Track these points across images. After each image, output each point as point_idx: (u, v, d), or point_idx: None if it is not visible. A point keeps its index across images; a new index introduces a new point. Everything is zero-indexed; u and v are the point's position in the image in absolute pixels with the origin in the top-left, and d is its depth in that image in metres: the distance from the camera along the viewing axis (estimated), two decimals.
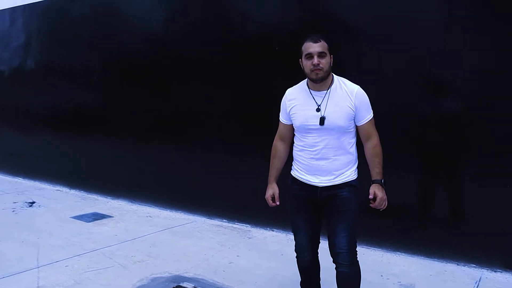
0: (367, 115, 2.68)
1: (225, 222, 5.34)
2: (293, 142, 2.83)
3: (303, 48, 2.62)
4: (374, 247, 4.39)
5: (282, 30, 4.86)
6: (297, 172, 2.79)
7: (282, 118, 2.86)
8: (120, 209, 5.95)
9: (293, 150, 2.82)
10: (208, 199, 5.53)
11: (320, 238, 2.87)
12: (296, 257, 2.88)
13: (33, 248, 4.34)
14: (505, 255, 3.89)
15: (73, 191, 6.99)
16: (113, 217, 5.55)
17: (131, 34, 6.22)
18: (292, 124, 2.78)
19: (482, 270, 3.93)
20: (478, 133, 3.99)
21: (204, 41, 5.48)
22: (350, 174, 2.69)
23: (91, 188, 6.80)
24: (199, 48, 5.53)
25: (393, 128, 4.18)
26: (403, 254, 4.27)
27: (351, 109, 2.61)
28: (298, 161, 2.78)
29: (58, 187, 7.22)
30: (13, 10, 7.85)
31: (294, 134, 2.82)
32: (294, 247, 2.86)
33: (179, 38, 5.74)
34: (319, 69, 2.55)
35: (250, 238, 4.79)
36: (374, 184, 2.69)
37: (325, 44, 2.59)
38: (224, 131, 5.40)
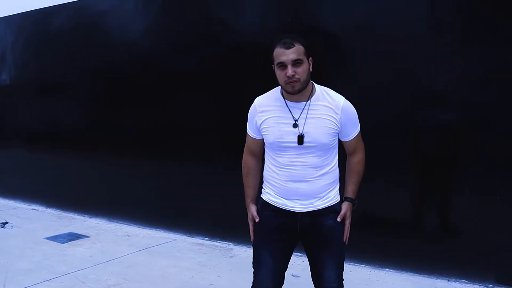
0: (354, 130, 2.34)
1: (207, 240, 5.11)
2: (264, 159, 2.44)
3: (274, 54, 2.19)
4: (361, 264, 4.21)
5: (265, 40, 4.70)
6: (270, 196, 2.36)
7: (251, 132, 2.43)
8: (98, 228, 5.69)
9: (264, 170, 2.42)
10: (189, 217, 5.31)
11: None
12: None
13: (0, 273, 4.08)
14: (497, 270, 3.73)
15: (49, 210, 6.71)
16: (89, 237, 5.30)
17: (111, 48, 6.02)
18: (263, 139, 2.38)
19: (474, 285, 3.77)
20: (469, 144, 3.85)
21: (186, 54, 5.31)
22: (333, 196, 2.34)
23: (68, 206, 6.53)
24: (181, 61, 5.36)
25: (381, 139, 4.03)
26: (391, 270, 4.09)
27: (335, 125, 2.24)
28: (271, 183, 2.36)
29: (34, 206, 6.93)
30: None
31: (264, 149, 2.43)
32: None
33: (160, 51, 5.55)
34: (294, 81, 2.14)
35: (232, 257, 4.57)
36: (346, 202, 2.38)
37: (301, 48, 2.16)
38: (206, 147, 5.20)
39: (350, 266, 4.15)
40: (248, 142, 2.49)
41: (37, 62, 7.01)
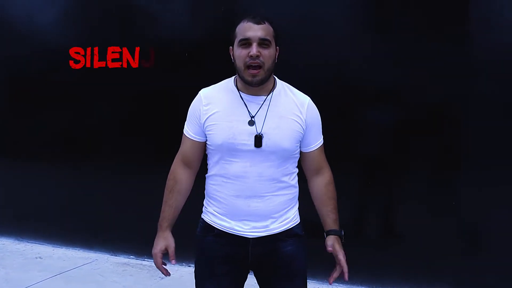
0: (319, 138, 1.94)
1: (133, 258, 4.55)
2: (202, 171, 1.99)
3: (237, 30, 1.79)
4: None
5: (193, 33, 4.26)
6: (213, 216, 1.89)
7: (190, 132, 1.91)
8: (3, 250, 4.90)
9: (206, 183, 1.94)
10: (111, 233, 4.70)
11: None
12: None
13: None
14: (449, 276, 3.56)
15: None
16: None
17: (16, 42, 5.24)
18: (206, 142, 1.89)
19: None
20: (414, 145, 3.69)
21: (100, 48, 4.70)
22: (292, 216, 1.91)
23: None
24: (94, 56, 4.74)
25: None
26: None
27: (300, 126, 1.83)
28: (215, 199, 1.88)
29: None
30: None
31: (206, 156, 1.96)
32: None
33: (70, 45, 4.89)
34: (258, 66, 1.72)
35: (162, 278, 4.06)
36: (331, 237, 1.91)
37: (271, 29, 1.78)
38: (129, 152, 4.63)
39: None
40: (183, 148, 1.96)
41: None
